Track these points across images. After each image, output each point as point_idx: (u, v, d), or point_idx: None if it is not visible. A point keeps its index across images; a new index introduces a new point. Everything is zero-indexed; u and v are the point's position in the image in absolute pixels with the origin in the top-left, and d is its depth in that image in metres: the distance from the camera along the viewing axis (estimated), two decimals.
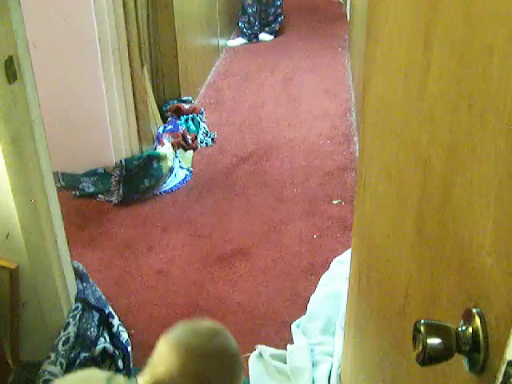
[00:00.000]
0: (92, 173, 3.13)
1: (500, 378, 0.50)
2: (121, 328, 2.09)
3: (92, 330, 2.01)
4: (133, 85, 3.05)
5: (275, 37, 5.81)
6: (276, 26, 5.79)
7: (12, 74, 1.59)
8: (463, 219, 0.62)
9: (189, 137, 3.60)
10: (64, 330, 1.91)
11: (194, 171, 3.37)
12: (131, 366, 2.00)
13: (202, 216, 2.95)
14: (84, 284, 2.10)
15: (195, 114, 3.84)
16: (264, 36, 5.77)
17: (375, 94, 1.29)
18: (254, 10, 5.54)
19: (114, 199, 3.04)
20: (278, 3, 5.66)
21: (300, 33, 6.02)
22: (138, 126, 3.16)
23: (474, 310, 0.57)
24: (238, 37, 5.74)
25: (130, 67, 3.01)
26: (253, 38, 5.69)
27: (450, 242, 0.67)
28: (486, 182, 0.55)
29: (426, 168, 0.79)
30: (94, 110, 2.99)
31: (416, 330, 0.61)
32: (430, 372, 0.75)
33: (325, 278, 2.42)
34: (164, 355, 1.15)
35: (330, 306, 2.22)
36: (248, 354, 2.07)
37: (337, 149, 3.59)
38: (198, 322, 1.21)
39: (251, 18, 5.58)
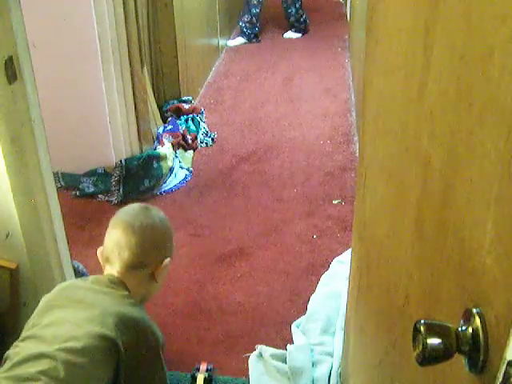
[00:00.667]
0: (92, 173, 3.13)
1: (500, 378, 0.50)
2: None
3: None
4: (133, 85, 3.05)
5: (303, 35, 5.87)
6: (301, 25, 5.84)
7: (12, 73, 1.59)
8: (463, 219, 0.62)
9: (189, 137, 3.60)
10: None
11: (194, 171, 3.37)
12: None
13: (202, 216, 2.95)
14: None
15: (195, 114, 3.84)
16: (290, 34, 5.83)
17: (375, 94, 1.29)
18: (258, 10, 5.55)
19: (114, 199, 3.04)
20: (298, 5, 5.67)
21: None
22: (137, 126, 3.16)
23: (474, 310, 0.57)
24: (237, 36, 5.74)
25: (130, 67, 3.01)
26: (253, 37, 5.70)
27: (450, 241, 0.67)
28: (486, 182, 0.55)
29: (426, 168, 0.79)
30: (94, 110, 2.99)
31: (416, 330, 0.61)
32: (430, 372, 0.75)
33: (325, 278, 2.42)
34: (122, 240, 1.40)
35: (330, 305, 2.22)
36: (248, 354, 2.07)
37: (337, 149, 3.59)
38: (129, 207, 1.51)
39: (253, 19, 5.59)
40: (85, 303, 1.32)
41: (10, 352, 1.28)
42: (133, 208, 1.49)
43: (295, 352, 2.00)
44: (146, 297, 1.49)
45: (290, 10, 5.70)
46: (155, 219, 1.46)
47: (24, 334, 1.32)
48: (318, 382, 1.91)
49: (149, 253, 1.42)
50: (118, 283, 1.38)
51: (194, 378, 1.92)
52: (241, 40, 5.69)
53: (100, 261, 1.47)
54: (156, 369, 1.39)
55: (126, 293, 1.37)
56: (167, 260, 1.47)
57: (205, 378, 1.90)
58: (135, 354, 1.30)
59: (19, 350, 1.26)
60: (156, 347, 1.38)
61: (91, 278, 1.42)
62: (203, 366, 1.95)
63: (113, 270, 1.41)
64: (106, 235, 1.45)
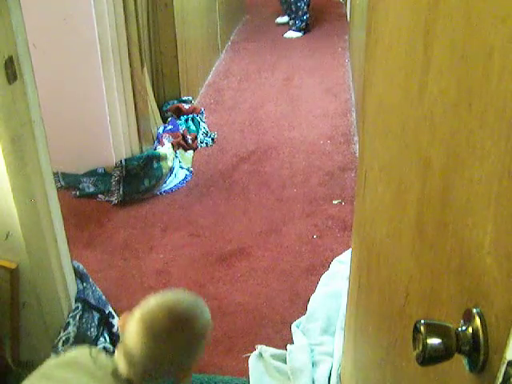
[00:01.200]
0: (92, 173, 3.13)
1: (500, 378, 0.50)
2: None
3: (92, 330, 2.01)
4: (133, 85, 3.05)
5: (303, 34, 5.93)
6: (303, 24, 5.89)
7: (12, 73, 1.59)
8: (463, 219, 0.62)
9: (189, 137, 3.60)
10: (64, 330, 1.91)
11: (194, 171, 3.37)
12: None
13: (202, 216, 2.95)
14: (84, 284, 2.10)
15: (195, 114, 3.84)
16: (291, 34, 5.87)
17: (375, 94, 1.29)
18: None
19: (114, 199, 3.04)
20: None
21: None
22: (138, 126, 3.16)
23: (474, 310, 0.57)
24: (292, 31, 5.88)
25: (130, 67, 3.01)
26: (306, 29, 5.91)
27: (450, 241, 0.67)
28: (486, 182, 0.55)
29: (426, 168, 0.79)
30: (94, 110, 2.99)
31: (416, 329, 0.61)
32: (430, 372, 0.75)
33: (325, 278, 2.42)
34: (132, 333, 1.13)
35: (330, 305, 2.22)
36: (248, 354, 2.07)
37: (337, 149, 3.59)
38: (174, 300, 1.19)
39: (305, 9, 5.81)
40: None
41: None
42: (157, 313, 1.15)
43: (295, 352, 2.00)
44: None
45: (299, 4, 5.76)
46: (195, 328, 1.19)
47: None
48: (318, 382, 1.91)
49: (168, 366, 1.17)
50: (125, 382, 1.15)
51: None
52: (298, 34, 5.85)
53: (119, 331, 1.24)
54: None
55: None
56: (194, 365, 1.22)
57: None
58: None
59: None
60: None
61: (100, 360, 1.19)
62: None
63: (123, 368, 1.15)
64: (131, 324, 1.15)
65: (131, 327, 1.14)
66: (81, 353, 1.22)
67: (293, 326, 2.19)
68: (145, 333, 1.11)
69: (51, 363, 1.22)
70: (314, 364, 1.98)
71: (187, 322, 1.17)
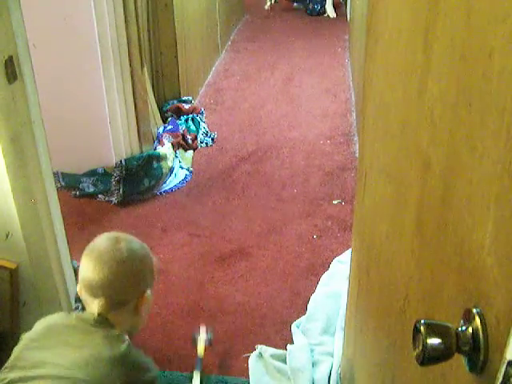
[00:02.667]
0: (92, 173, 3.13)
1: (500, 378, 0.50)
2: None
3: None
4: (133, 85, 3.05)
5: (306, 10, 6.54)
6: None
7: (12, 73, 1.59)
8: (463, 219, 0.62)
9: (189, 137, 3.60)
10: None
11: (194, 171, 3.37)
12: None
13: (202, 216, 2.95)
14: None
15: (195, 114, 3.84)
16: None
17: (375, 94, 1.29)
18: None
19: (114, 199, 3.04)
20: None
21: (300, 33, 6.03)
22: (138, 126, 3.16)
23: (474, 310, 0.57)
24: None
25: (130, 67, 3.01)
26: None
27: (450, 241, 0.67)
28: (486, 181, 0.55)
29: (426, 168, 0.79)
30: (94, 110, 2.99)
31: (416, 329, 0.61)
32: (430, 372, 0.75)
33: (325, 278, 2.42)
34: (85, 269, 1.31)
35: (330, 305, 2.22)
36: (248, 354, 2.07)
37: (337, 149, 3.59)
38: (98, 240, 1.40)
39: None
40: (73, 345, 1.25)
41: None
42: (100, 244, 1.37)
43: (295, 352, 2.00)
44: (133, 330, 1.41)
45: None
46: (125, 253, 1.35)
47: (5, 375, 1.24)
48: (318, 382, 1.91)
49: (126, 290, 1.33)
50: (103, 321, 1.30)
51: (195, 341, 2.02)
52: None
53: (80, 297, 1.38)
54: None
55: (114, 331, 1.29)
56: (148, 292, 1.39)
57: (206, 343, 2.02)
58: None
59: None
60: (152, 383, 1.33)
61: (75, 315, 1.34)
62: (203, 331, 2.03)
63: (94, 308, 1.31)
64: (80, 272, 1.34)
65: (83, 264, 1.32)
66: (59, 316, 1.39)
67: (293, 325, 2.19)
68: (92, 258, 1.31)
69: (36, 328, 1.36)
70: (313, 364, 1.98)
71: (123, 239, 1.40)
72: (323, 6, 6.56)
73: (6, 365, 1.27)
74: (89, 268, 1.30)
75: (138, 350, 1.36)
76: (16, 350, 1.30)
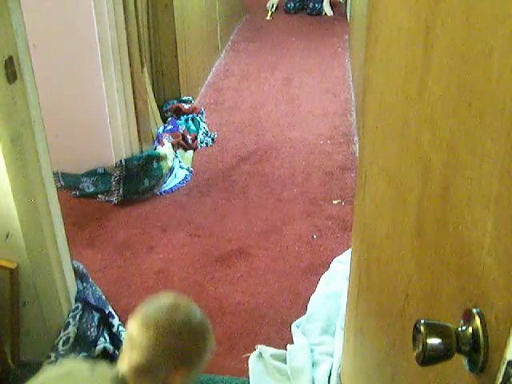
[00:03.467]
0: (92, 173, 3.13)
1: (500, 378, 0.50)
2: (121, 328, 2.09)
3: (92, 330, 2.01)
4: (133, 85, 3.05)
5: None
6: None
7: (12, 73, 1.59)
8: (463, 219, 0.62)
9: (189, 137, 3.60)
10: (64, 330, 1.91)
11: (194, 171, 3.37)
12: None
13: (202, 216, 2.95)
14: (84, 284, 2.10)
15: (195, 114, 3.84)
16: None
17: (375, 94, 1.29)
18: None
19: (114, 199, 3.04)
20: None
21: (300, 33, 6.03)
22: (138, 126, 3.16)
23: (474, 310, 0.57)
24: None
25: (130, 67, 3.01)
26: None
27: (450, 242, 0.67)
28: (486, 181, 0.55)
29: (426, 168, 0.79)
30: (94, 110, 2.99)
31: (416, 330, 0.61)
32: (430, 372, 0.75)
33: (325, 278, 2.42)
34: (134, 337, 1.19)
35: (330, 305, 2.22)
36: (248, 354, 2.07)
37: (337, 149, 3.59)
38: (160, 299, 1.25)
39: None
40: None
41: None
42: (158, 306, 1.24)
43: (295, 352, 2.00)
44: None
45: None
46: (180, 327, 1.21)
47: None
48: (318, 382, 1.91)
49: (161, 359, 1.19)
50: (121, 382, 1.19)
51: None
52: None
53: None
54: None
55: None
56: (185, 373, 1.23)
57: None
58: None
59: None
60: None
61: (98, 369, 1.22)
62: None
63: (124, 363, 1.20)
64: (128, 329, 1.24)
65: (136, 334, 1.20)
66: (78, 365, 1.26)
67: (293, 325, 2.19)
68: (144, 319, 1.20)
69: (50, 375, 1.24)
70: (314, 364, 1.98)
71: (183, 309, 1.24)
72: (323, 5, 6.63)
73: None
74: (136, 323, 1.20)
75: None
76: None
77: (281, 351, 2.05)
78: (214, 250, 2.69)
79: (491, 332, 0.54)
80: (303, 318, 2.23)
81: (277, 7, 6.87)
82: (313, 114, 4.11)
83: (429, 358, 0.59)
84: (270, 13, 6.71)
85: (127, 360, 1.19)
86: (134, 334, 1.19)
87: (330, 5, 6.64)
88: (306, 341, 2.07)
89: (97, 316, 2.05)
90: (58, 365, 1.28)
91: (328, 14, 6.58)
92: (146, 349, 1.18)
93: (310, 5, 6.60)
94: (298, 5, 6.69)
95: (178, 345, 1.21)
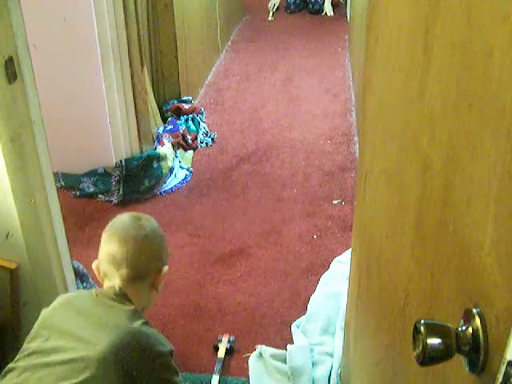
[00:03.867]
0: (92, 173, 3.13)
1: (500, 378, 0.50)
2: None
3: None
4: (133, 85, 3.05)
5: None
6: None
7: (12, 74, 1.59)
8: (463, 219, 0.62)
9: (189, 137, 3.60)
10: None
11: (194, 171, 3.37)
12: None
13: (202, 216, 2.95)
14: (84, 284, 2.10)
15: (195, 114, 3.84)
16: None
17: (375, 94, 1.29)
18: None
19: (114, 199, 3.04)
20: None
21: (300, 33, 6.03)
22: (138, 126, 3.16)
23: (474, 310, 0.57)
24: None
25: (130, 67, 3.01)
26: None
27: (450, 242, 0.67)
28: (486, 181, 0.55)
29: (426, 168, 0.79)
30: (94, 110, 2.99)
31: (416, 330, 0.61)
32: (430, 372, 0.75)
33: (325, 278, 2.42)
34: (117, 254, 1.38)
35: (330, 305, 2.22)
36: (248, 354, 2.07)
37: (337, 149, 3.59)
38: (119, 218, 1.48)
39: None
40: (94, 317, 1.31)
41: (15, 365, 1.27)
42: (124, 220, 1.45)
43: (295, 352, 2.00)
44: (147, 306, 1.49)
45: None
46: (148, 229, 1.43)
47: (28, 349, 1.28)
48: (318, 382, 1.91)
49: (146, 264, 1.41)
50: (122, 296, 1.37)
51: (217, 348, 2.08)
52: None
53: (96, 275, 1.45)
54: (169, 376, 1.37)
55: (132, 307, 1.35)
56: (165, 268, 1.47)
57: (226, 349, 2.07)
58: (146, 367, 1.29)
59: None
60: (166, 356, 1.35)
61: (94, 290, 1.40)
62: (225, 338, 2.10)
63: (113, 283, 1.39)
64: (100, 250, 1.43)
65: (102, 246, 1.42)
66: (82, 291, 1.49)
67: (293, 325, 2.19)
68: (114, 234, 1.41)
69: (59, 301, 1.40)
70: (314, 364, 1.98)
71: (142, 217, 1.46)
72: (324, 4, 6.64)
73: (29, 336, 1.32)
74: (113, 242, 1.39)
75: (151, 326, 1.40)
76: (38, 322, 1.34)
77: (281, 351, 2.05)
78: (214, 250, 2.69)
79: (491, 332, 0.54)
80: (303, 318, 2.23)
81: (278, 7, 6.87)
82: (313, 114, 4.11)
83: (429, 358, 0.59)
84: (271, 13, 6.71)
85: (118, 276, 1.37)
86: (115, 250, 1.37)
87: (332, 5, 6.63)
88: (306, 341, 2.07)
89: None
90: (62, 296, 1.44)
91: (328, 14, 6.56)
92: (132, 260, 1.37)
93: (312, 2, 6.60)
94: (299, 2, 6.68)
95: (155, 248, 1.44)
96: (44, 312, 1.37)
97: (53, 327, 1.31)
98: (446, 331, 0.58)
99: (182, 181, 3.25)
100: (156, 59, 3.73)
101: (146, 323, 1.34)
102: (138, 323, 1.31)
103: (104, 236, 1.44)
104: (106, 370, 1.21)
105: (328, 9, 6.58)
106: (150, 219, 1.48)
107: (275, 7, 6.82)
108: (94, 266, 1.45)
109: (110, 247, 1.40)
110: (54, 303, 1.39)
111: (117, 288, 1.37)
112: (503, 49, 0.52)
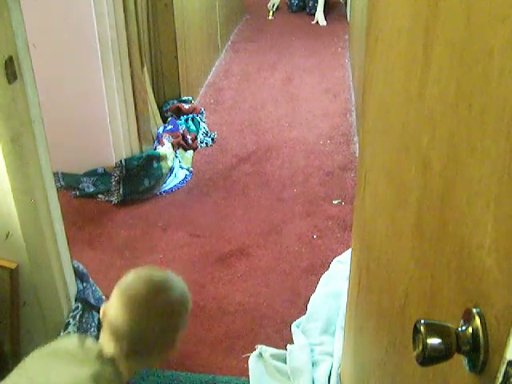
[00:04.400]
0: (92, 173, 3.13)
1: (500, 378, 0.50)
2: None
3: (92, 330, 2.01)
4: (133, 85, 3.05)
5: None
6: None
7: (12, 73, 1.59)
8: (463, 219, 0.62)
9: (189, 137, 3.60)
10: (64, 330, 1.91)
11: (194, 171, 3.37)
12: None
13: (202, 216, 2.95)
14: (84, 284, 2.10)
15: (195, 114, 3.84)
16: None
17: (375, 94, 1.29)
18: None
19: (114, 199, 3.04)
20: None
21: (300, 33, 6.03)
22: (138, 126, 3.16)
23: (474, 310, 0.57)
24: None
25: (130, 67, 3.01)
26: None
27: (450, 241, 0.67)
28: (486, 181, 0.55)
29: (426, 168, 0.79)
30: (94, 110, 2.99)
31: (416, 330, 0.61)
32: (430, 372, 0.75)
33: (325, 278, 2.42)
34: (115, 309, 1.19)
35: (330, 305, 2.22)
36: (248, 354, 2.07)
37: (337, 149, 3.59)
38: (149, 273, 1.24)
39: None
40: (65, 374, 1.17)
41: None
42: (138, 289, 1.20)
43: (295, 352, 2.00)
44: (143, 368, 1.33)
45: None
46: (164, 306, 1.21)
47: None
48: (318, 382, 1.91)
49: (154, 343, 1.22)
50: (108, 359, 1.20)
51: None
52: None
53: (101, 318, 1.27)
54: None
55: (111, 371, 1.18)
56: (176, 340, 1.26)
57: None
58: None
59: None
60: None
61: (82, 344, 1.23)
62: None
63: (109, 348, 1.20)
64: (108, 308, 1.22)
65: (113, 303, 1.19)
66: (69, 340, 1.27)
67: (293, 325, 2.19)
68: (126, 304, 1.17)
69: (35, 354, 1.26)
70: (313, 364, 1.98)
71: (163, 289, 1.22)
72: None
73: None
74: (119, 311, 1.18)
75: None
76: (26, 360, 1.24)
77: (281, 351, 2.05)
78: (214, 249, 2.69)
79: (491, 332, 0.54)
80: (303, 317, 2.23)
81: (277, 7, 6.84)
82: (313, 113, 4.11)
83: (429, 358, 0.59)
84: (271, 12, 6.71)
85: (118, 348, 1.18)
86: (115, 305, 1.18)
87: (325, 13, 6.34)
88: (306, 341, 2.07)
89: (97, 316, 2.05)
90: (53, 342, 1.30)
91: (320, 24, 6.26)
92: (138, 336, 1.18)
93: (310, 3, 6.57)
94: (301, 3, 6.67)
95: (168, 323, 1.22)
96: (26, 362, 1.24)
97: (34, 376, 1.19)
98: (446, 331, 0.58)
99: (182, 181, 3.25)
100: (156, 59, 3.73)
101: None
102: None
103: (114, 296, 1.22)
104: None
105: (320, 18, 6.32)
106: (169, 289, 1.23)
107: (275, 7, 6.81)
108: (101, 311, 1.26)
109: (114, 316, 1.19)
110: (42, 350, 1.26)
111: (107, 354, 1.20)
112: (503, 49, 0.52)
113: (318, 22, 6.38)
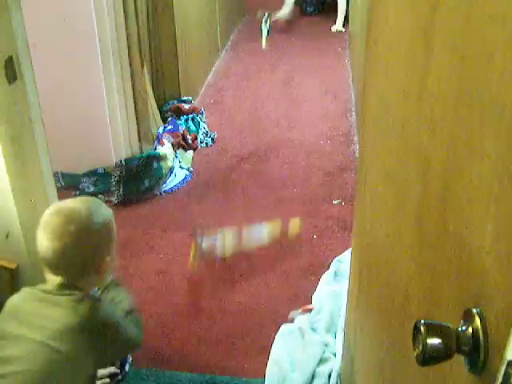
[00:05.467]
0: (92, 173, 3.13)
1: (500, 378, 0.50)
2: None
3: None
4: (133, 85, 3.05)
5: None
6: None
7: (12, 73, 1.60)
8: (463, 219, 0.62)
9: (189, 137, 3.60)
10: None
11: (194, 171, 3.37)
12: (130, 365, 2.00)
13: (202, 216, 2.95)
14: None
15: (195, 114, 3.84)
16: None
17: (375, 94, 1.29)
18: None
19: (114, 199, 3.04)
20: None
21: (300, 33, 6.03)
22: (138, 126, 3.16)
23: (474, 310, 0.57)
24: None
25: (130, 67, 3.01)
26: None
27: (450, 241, 0.67)
28: (486, 181, 0.55)
29: (426, 168, 0.79)
30: (94, 109, 2.99)
31: (416, 329, 0.61)
32: (430, 372, 0.75)
33: (325, 278, 2.42)
34: (40, 244, 1.33)
35: (331, 305, 2.22)
36: (248, 354, 2.06)
37: (337, 149, 3.59)
38: (59, 206, 1.38)
39: None
40: (44, 318, 1.31)
41: None
42: (53, 220, 1.34)
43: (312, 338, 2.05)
44: (98, 285, 1.52)
45: None
46: (78, 232, 1.33)
47: None
48: (319, 378, 1.91)
49: (83, 267, 1.37)
50: (67, 286, 1.36)
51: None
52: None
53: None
54: (126, 337, 1.46)
55: (78, 294, 1.34)
56: (107, 258, 1.41)
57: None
58: (103, 340, 1.37)
59: None
60: (120, 324, 1.43)
61: (38, 290, 1.37)
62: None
63: (56, 280, 1.37)
64: (38, 245, 1.35)
65: (38, 239, 1.33)
66: (26, 292, 1.41)
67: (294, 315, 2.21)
68: (46, 237, 1.31)
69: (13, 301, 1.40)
70: (321, 360, 1.98)
71: (71, 219, 1.33)
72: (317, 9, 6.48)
73: None
74: (43, 245, 1.32)
75: (110, 305, 1.46)
76: None
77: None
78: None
79: (491, 332, 0.54)
80: (303, 317, 2.22)
81: (269, 31, 5.53)
82: (313, 114, 4.11)
83: (429, 358, 0.59)
84: (264, 41, 5.32)
85: (55, 276, 1.35)
86: (51, 256, 1.31)
87: (325, 13, 6.23)
88: (320, 338, 2.08)
89: None
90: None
91: (339, 30, 5.90)
92: (66, 269, 1.34)
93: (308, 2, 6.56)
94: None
95: (92, 247, 1.36)
96: None
97: (8, 336, 1.32)
98: (446, 331, 0.58)
99: (181, 181, 3.25)
100: (156, 59, 3.73)
101: (92, 308, 1.34)
102: (85, 312, 1.32)
103: (40, 226, 1.35)
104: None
105: (339, 24, 5.90)
106: (83, 216, 1.36)
107: (267, 30, 5.46)
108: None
109: (42, 251, 1.33)
110: (5, 310, 1.38)
111: (58, 283, 1.35)
112: (503, 49, 0.52)
113: (337, 29, 5.91)
